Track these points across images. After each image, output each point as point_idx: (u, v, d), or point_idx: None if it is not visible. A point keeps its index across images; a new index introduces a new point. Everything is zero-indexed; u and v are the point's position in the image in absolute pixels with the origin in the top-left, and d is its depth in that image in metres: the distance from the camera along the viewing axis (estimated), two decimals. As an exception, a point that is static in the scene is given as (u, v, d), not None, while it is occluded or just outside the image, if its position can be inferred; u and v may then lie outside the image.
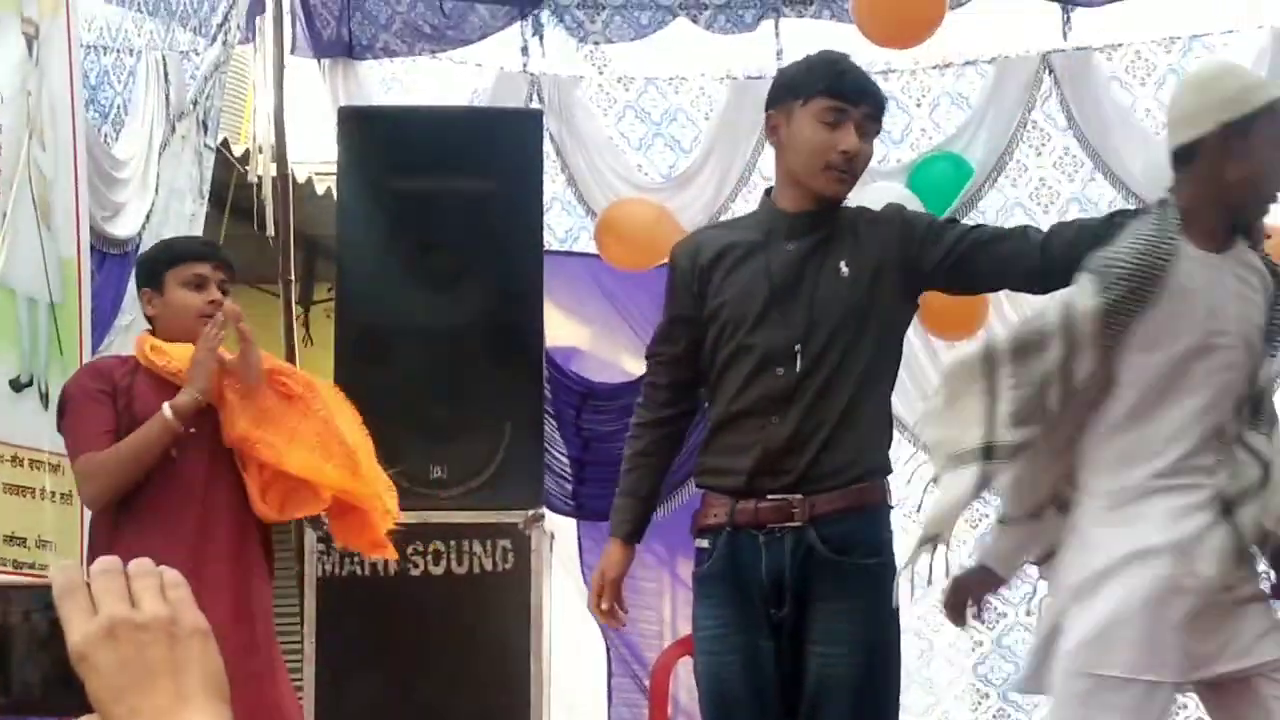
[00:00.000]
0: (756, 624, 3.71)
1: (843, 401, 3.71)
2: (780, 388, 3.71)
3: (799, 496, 3.68)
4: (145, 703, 1.23)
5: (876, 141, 6.82)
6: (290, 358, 6.16)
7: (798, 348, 3.72)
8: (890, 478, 3.84)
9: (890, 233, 3.82)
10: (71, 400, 4.31)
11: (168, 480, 4.24)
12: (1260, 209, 3.62)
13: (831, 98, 3.75)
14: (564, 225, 7.12)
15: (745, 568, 3.71)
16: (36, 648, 1.29)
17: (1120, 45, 7.17)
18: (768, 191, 3.94)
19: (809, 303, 3.75)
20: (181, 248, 4.57)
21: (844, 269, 3.76)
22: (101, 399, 4.27)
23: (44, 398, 5.19)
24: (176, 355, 4.27)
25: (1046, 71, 7.02)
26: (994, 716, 6.99)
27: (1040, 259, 3.74)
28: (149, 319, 4.47)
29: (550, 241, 6.90)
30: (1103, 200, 7.08)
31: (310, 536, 5.08)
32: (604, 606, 3.94)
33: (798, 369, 3.71)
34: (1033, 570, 6.84)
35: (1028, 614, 6.98)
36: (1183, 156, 3.54)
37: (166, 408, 4.15)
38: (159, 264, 4.44)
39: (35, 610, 1.29)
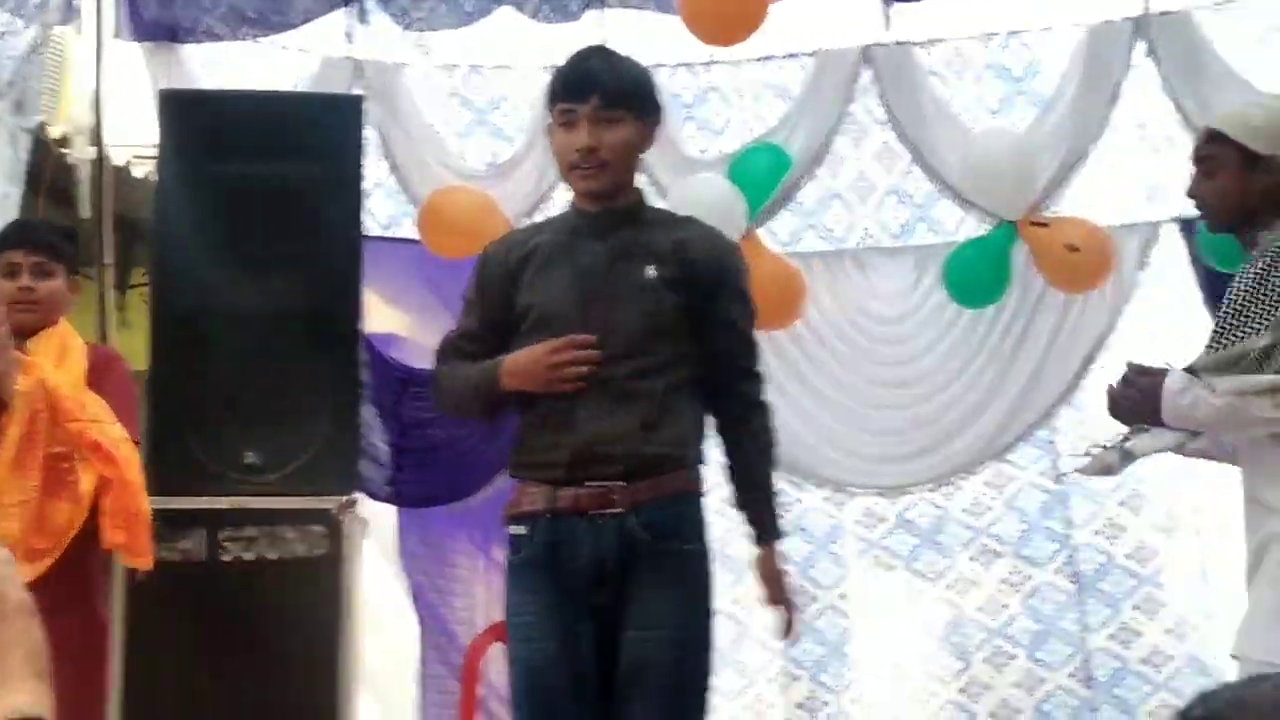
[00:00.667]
0: (575, 609, 3.79)
1: (655, 398, 3.82)
2: (590, 386, 3.78)
3: (620, 484, 3.77)
4: None
5: (699, 131, 7.02)
6: (103, 341, 6.13)
7: (603, 349, 3.79)
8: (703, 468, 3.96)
9: (712, 268, 3.92)
10: None
11: None
12: None
13: (560, 101, 3.87)
14: (387, 211, 7.10)
15: (567, 554, 3.79)
16: None
17: (939, 40, 7.28)
18: None
19: (615, 304, 3.85)
20: None
21: (650, 272, 3.85)
22: None
23: None
24: None
25: (866, 65, 7.10)
26: (805, 698, 7.10)
27: (727, 435, 3.97)
28: None
29: (373, 228, 6.89)
30: (919, 192, 7.20)
31: (120, 522, 5.05)
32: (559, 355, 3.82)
33: (606, 370, 3.78)
34: (846, 556, 7.02)
35: (841, 597, 7.12)
36: None
37: None
38: None
39: None
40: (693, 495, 3.90)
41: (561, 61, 3.98)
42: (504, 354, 3.92)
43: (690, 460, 3.90)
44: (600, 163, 3.83)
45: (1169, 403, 3.77)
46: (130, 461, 4.37)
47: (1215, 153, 4.08)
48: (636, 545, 3.77)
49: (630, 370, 3.80)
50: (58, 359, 4.49)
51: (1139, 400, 3.85)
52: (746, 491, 3.96)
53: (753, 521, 3.95)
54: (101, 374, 4.58)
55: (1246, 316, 3.77)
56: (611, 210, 3.92)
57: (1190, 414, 3.77)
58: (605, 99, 3.81)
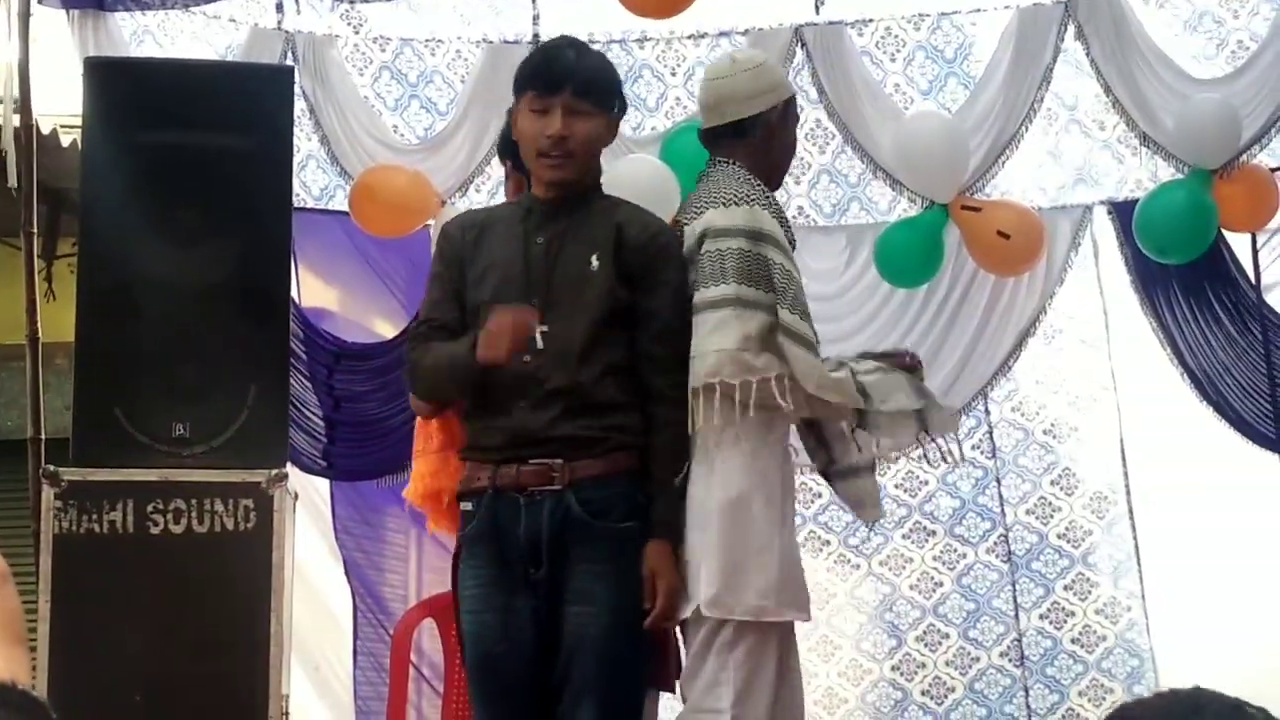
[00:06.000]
0: (515, 584, 3.87)
1: (591, 381, 3.87)
2: (527, 372, 3.85)
3: (559, 461, 3.84)
4: None
5: (632, 108, 6.98)
6: (32, 312, 6.03)
7: (542, 335, 3.83)
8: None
9: (641, 258, 3.96)
10: None
11: None
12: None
13: (531, 90, 3.97)
14: (319, 183, 7.04)
15: (506, 529, 3.87)
16: None
17: (871, 21, 7.29)
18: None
19: (556, 292, 3.91)
20: None
21: (594, 263, 3.91)
22: None
23: None
24: None
25: (799, 44, 7.09)
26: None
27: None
28: None
29: (305, 200, 6.84)
30: (852, 172, 7.20)
31: (48, 493, 4.99)
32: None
33: (546, 355, 3.83)
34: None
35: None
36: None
37: None
38: None
39: None
40: (629, 474, 3.93)
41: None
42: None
43: (626, 441, 3.92)
44: (567, 152, 3.93)
45: None
46: None
47: None
48: (573, 522, 3.83)
49: (566, 359, 3.85)
50: None
51: None
52: (649, 487, 3.95)
53: (651, 517, 3.94)
54: None
55: None
56: (559, 199, 3.99)
57: None
58: (577, 91, 3.92)
